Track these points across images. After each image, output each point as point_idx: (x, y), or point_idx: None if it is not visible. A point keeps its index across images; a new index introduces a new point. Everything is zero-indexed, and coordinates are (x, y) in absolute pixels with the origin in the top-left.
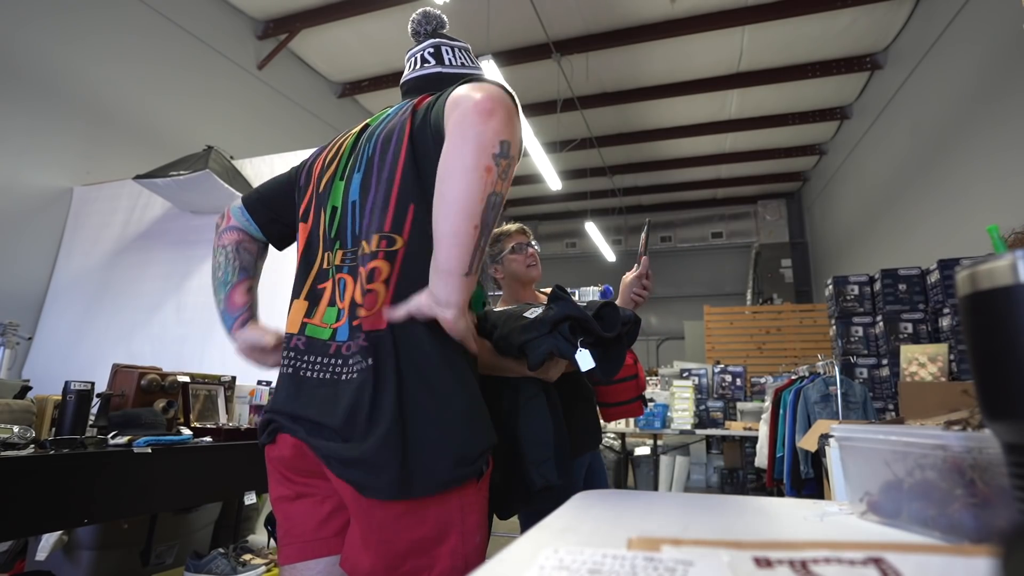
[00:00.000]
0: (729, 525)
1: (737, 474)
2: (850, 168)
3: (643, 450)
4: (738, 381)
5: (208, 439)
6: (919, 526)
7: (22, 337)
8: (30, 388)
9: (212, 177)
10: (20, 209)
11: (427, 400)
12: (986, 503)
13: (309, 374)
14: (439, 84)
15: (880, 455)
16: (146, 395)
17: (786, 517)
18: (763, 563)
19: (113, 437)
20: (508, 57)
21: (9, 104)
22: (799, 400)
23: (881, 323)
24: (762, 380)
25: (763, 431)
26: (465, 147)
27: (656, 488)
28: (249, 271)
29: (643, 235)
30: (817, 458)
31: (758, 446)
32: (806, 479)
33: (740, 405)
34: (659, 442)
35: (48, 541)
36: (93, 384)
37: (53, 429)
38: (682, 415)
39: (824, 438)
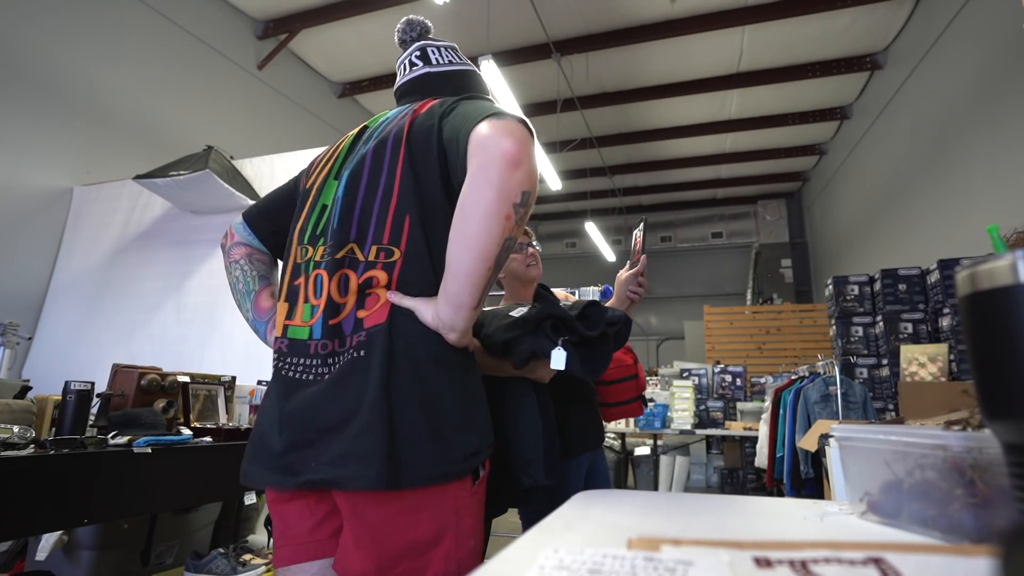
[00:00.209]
0: (729, 525)
1: (737, 474)
2: (850, 168)
3: (643, 450)
4: (738, 381)
5: (208, 439)
6: (919, 526)
7: (22, 337)
8: (30, 388)
9: (212, 177)
10: (20, 209)
11: (419, 392)
12: (986, 503)
13: (293, 375)
14: (429, 83)
15: (880, 455)
16: (146, 395)
17: (786, 517)
18: (763, 563)
19: (113, 437)
20: (508, 57)
21: (9, 104)
22: (799, 400)
23: (881, 323)
24: (762, 380)
25: (763, 431)
26: (489, 193)
27: (656, 488)
28: (268, 277)
29: (640, 233)
30: (817, 458)
31: (758, 446)
32: (806, 479)
33: (740, 405)
34: (659, 442)
35: (48, 541)
36: (93, 384)
37: (53, 429)
38: (682, 415)
39: (824, 438)
